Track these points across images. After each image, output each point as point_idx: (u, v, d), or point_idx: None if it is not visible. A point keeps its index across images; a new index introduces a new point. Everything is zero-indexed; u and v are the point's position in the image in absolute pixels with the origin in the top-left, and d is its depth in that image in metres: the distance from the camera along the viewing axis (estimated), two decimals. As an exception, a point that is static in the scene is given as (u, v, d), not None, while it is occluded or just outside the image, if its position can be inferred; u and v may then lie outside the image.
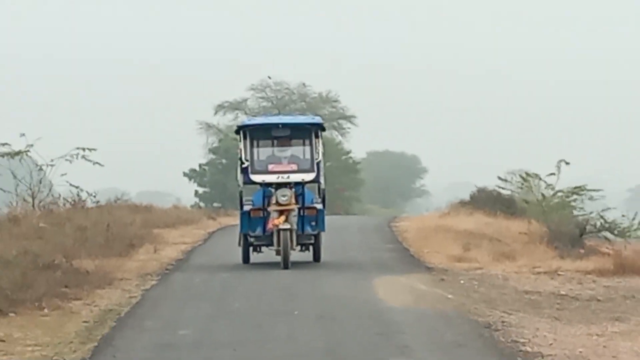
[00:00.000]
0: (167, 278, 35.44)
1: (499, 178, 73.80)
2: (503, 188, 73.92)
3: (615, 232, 60.12)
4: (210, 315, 22.07)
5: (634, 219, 61.68)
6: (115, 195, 63.63)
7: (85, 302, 29.64)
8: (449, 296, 30.90)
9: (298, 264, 24.27)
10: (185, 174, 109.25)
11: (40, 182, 49.78)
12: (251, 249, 29.10)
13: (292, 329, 18.83)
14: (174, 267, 40.38)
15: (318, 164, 25.30)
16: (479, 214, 65.10)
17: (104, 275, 35.26)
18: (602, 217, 62.09)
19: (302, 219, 24.51)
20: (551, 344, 21.31)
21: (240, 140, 28.60)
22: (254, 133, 27.76)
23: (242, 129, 29.15)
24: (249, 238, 28.27)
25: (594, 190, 68.79)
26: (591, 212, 62.98)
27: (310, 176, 26.01)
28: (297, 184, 26.02)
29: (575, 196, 66.66)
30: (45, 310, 28.00)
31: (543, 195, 66.48)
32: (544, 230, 54.48)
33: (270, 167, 25.15)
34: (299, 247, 27.18)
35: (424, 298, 29.85)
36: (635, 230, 61.91)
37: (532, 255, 45.26)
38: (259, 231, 25.31)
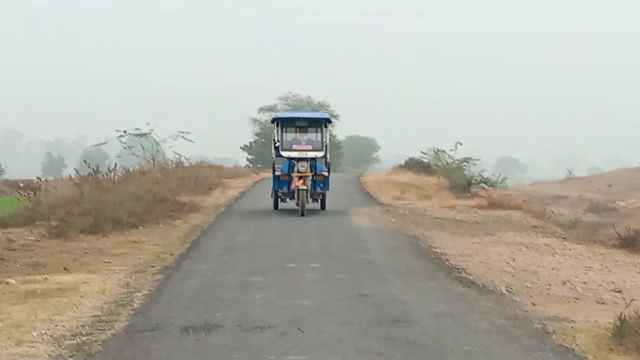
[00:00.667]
0: (230, 208, 35.42)
1: (422, 152, 74.49)
2: (424, 158, 73.56)
3: (488, 184, 61.85)
4: (255, 230, 21.92)
5: (499, 176, 64.30)
6: (200, 159, 63.57)
7: (183, 221, 29.75)
8: (392, 220, 31.03)
9: (309, 210, 23.99)
10: (241, 147, 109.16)
11: (157, 151, 50.47)
12: (279, 200, 28.59)
13: (302, 239, 18.77)
14: (234, 202, 40.17)
15: (326, 145, 25.05)
16: (410, 173, 62.46)
17: (194, 206, 35.42)
18: (480, 175, 64.31)
19: (314, 182, 24.43)
20: (451, 248, 21.56)
21: (274, 128, 28.25)
22: (283, 123, 27.27)
23: (276, 120, 28.62)
24: (278, 193, 27.86)
25: (476, 159, 69.72)
26: (474, 172, 64.68)
27: (320, 154, 25.55)
28: (311, 158, 25.13)
29: (465, 163, 67.33)
30: (160, 225, 28.17)
31: (447, 162, 66.73)
32: (447, 183, 54.37)
33: (294, 146, 24.72)
34: (311, 200, 26.51)
35: (378, 220, 29.96)
36: (499, 183, 65.28)
37: (440, 197, 45.52)
38: (285, 189, 25.24)
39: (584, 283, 17.90)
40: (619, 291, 16.66)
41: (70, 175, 40.27)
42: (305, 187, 22.37)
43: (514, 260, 20.95)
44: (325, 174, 24.06)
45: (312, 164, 23.64)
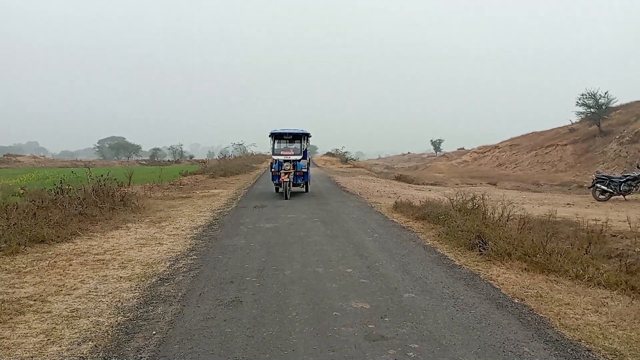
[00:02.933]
0: (264, 173, 34.96)
1: (331, 150, 64.03)
2: (332, 151, 62.61)
3: (353, 159, 53.70)
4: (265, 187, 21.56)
5: (357, 157, 59.86)
6: (259, 152, 60.47)
7: (253, 172, 29.25)
8: (322, 171, 30.61)
9: (297, 192, 22.19)
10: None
11: (245, 150, 47.86)
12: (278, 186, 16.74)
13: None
14: (264, 172, 39.50)
15: (304, 151, 15.87)
16: (327, 156, 59.64)
17: (257, 167, 34.55)
18: (351, 156, 54.91)
19: (296, 176, 15.56)
20: (347, 185, 21.08)
21: (270, 140, 16.29)
22: (276, 136, 16.17)
23: (271, 134, 16.37)
24: (274, 183, 16.43)
25: (348, 151, 57.82)
26: (349, 155, 54.97)
27: (299, 157, 15.56)
28: (293, 160, 15.56)
29: (345, 152, 54.80)
30: (246, 173, 27.32)
31: (339, 152, 56.67)
32: (339, 159, 50.69)
33: (282, 152, 15.56)
34: (294, 188, 16.64)
35: (317, 171, 29.54)
36: (357, 159, 57.65)
37: (337, 164, 44.32)
38: (276, 181, 15.51)
39: (384, 191, 17.99)
40: (395, 193, 16.78)
41: (216, 158, 40.22)
42: (288, 180, 14.84)
43: (361, 184, 20.92)
44: (305, 170, 15.99)
45: (294, 164, 15.52)
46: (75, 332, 3.92)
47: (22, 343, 3.70)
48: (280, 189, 15.34)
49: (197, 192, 16.81)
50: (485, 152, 48.61)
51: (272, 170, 15.45)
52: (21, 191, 11.22)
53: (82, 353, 3.53)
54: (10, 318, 4.22)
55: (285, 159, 14.97)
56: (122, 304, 4.67)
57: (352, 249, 7.12)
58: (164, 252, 7.05)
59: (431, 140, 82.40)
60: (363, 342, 3.65)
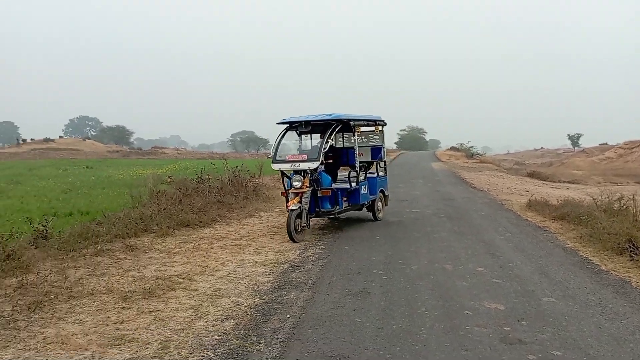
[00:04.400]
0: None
1: (456, 144, 54.52)
2: (456, 146, 53.15)
3: (479, 154, 45.05)
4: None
5: (483, 152, 53.65)
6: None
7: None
8: (445, 165, 29.70)
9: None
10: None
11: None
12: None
13: (415, 172, 17.82)
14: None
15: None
16: (451, 151, 55.94)
17: None
18: (477, 151, 45.93)
19: (320, 199, 7.64)
20: (473, 180, 20.17)
21: (279, 134, 8.17)
22: (289, 129, 8.21)
23: (282, 125, 8.18)
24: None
25: (473, 145, 49.26)
26: (475, 150, 46.59)
27: (314, 165, 7.24)
28: (313, 170, 7.42)
29: (471, 147, 46.66)
30: None
31: (464, 146, 48.27)
32: (464, 154, 45.77)
33: (287, 157, 7.75)
34: (305, 222, 7.33)
35: (441, 166, 28.68)
36: (483, 154, 47.19)
37: (462, 159, 42.22)
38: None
39: (515, 188, 17.03)
40: (527, 191, 15.74)
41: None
42: (295, 208, 7.13)
43: (489, 180, 19.98)
44: (346, 185, 8.14)
45: (313, 177, 7.53)
46: (219, 310, 4.28)
47: (174, 316, 4.11)
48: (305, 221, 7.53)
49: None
50: (633, 148, 43.69)
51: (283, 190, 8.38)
52: (168, 180, 12.46)
53: (226, 329, 3.83)
54: (164, 293, 4.74)
55: (294, 168, 7.66)
56: (258, 287, 4.99)
57: (481, 247, 6.83)
58: (294, 240, 7.36)
59: (568, 135, 76.06)
60: (499, 345, 3.48)
